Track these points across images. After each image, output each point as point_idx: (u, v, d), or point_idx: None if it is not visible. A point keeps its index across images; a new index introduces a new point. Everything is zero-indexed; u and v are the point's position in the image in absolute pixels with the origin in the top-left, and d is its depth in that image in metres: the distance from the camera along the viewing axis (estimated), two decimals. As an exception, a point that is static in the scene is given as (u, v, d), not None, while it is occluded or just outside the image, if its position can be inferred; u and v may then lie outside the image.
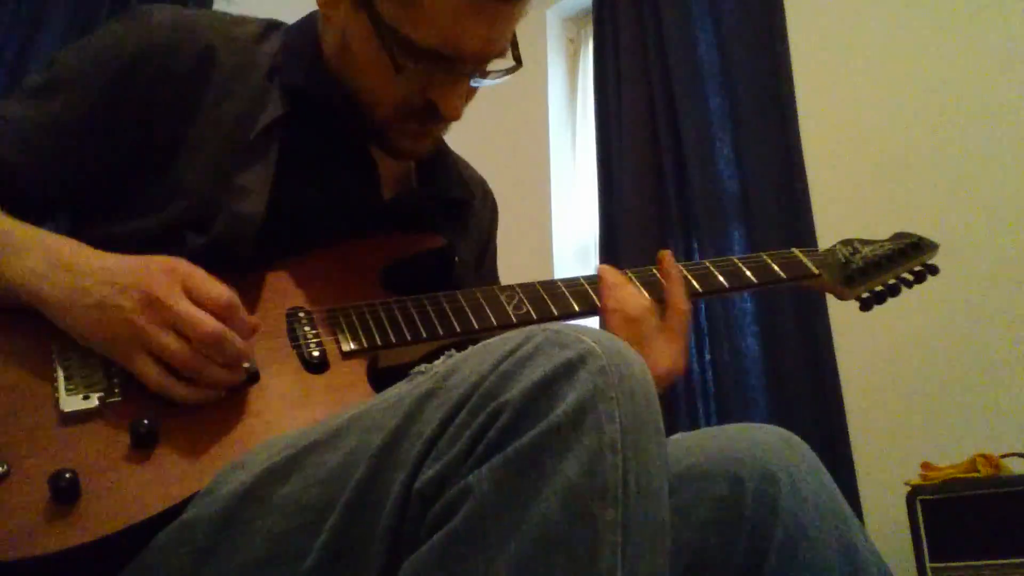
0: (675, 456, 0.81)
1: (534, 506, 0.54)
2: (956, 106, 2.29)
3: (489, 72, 0.93)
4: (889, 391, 2.17)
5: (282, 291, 0.89)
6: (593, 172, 2.98)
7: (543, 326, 0.63)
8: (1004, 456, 1.81)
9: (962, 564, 1.66)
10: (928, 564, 1.70)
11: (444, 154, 1.13)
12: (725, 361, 2.46)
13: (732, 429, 0.84)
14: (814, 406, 2.27)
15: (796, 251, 1.11)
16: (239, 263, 0.87)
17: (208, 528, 0.65)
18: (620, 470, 0.55)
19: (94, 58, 0.91)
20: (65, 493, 0.67)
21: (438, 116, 0.93)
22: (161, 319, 0.74)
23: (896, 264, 1.13)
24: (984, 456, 1.80)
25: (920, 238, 1.15)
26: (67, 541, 0.66)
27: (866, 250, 1.13)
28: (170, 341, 0.74)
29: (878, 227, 2.31)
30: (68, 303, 0.76)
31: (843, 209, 2.40)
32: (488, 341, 0.64)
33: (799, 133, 2.49)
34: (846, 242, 1.15)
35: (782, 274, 1.06)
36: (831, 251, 1.14)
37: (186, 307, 0.74)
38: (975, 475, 1.77)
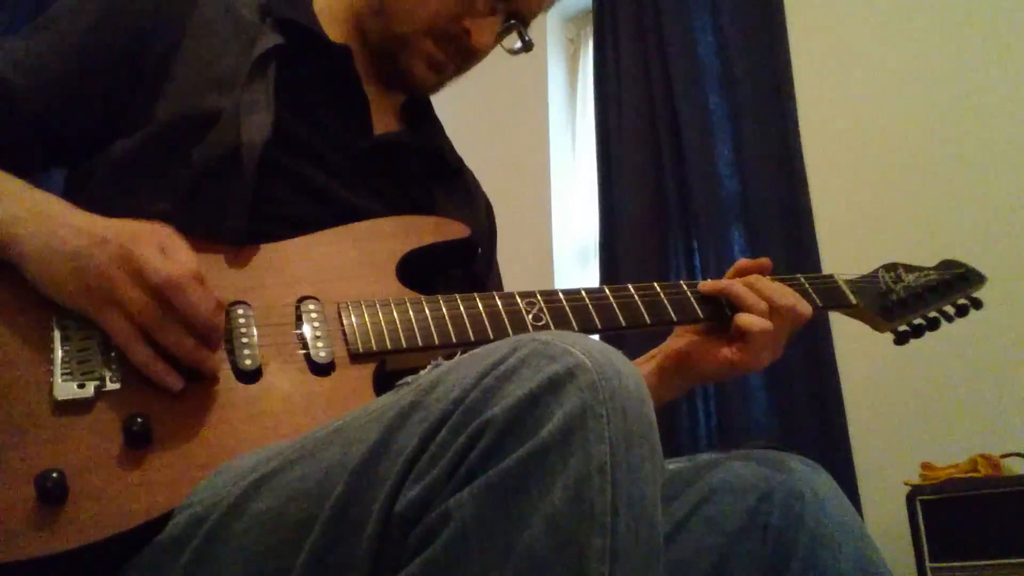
0: (709, 472, 0.88)
1: (518, 535, 0.51)
2: (956, 106, 2.29)
3: (521, 29, 1.03)
4: (889, 391, 2.17)
5: (292, 276, 0.85)
6: (593, 172, 2.98)
7: (532, 335, 0.59)
8: (1004, 456, 1.82)
9: (962, 564, 1.66)
10: (928, 564, 1.70)
11: (433, 118, 1.14)
12: (725, 361, 2.45)
13: (762, 452, 0.90)
14: (814, 406, 2.27)
15: (837, 277, 1.02)
16: (241, 189, 0.86)
17: (194, 544, 0.63)
18: (609, 494, 0.52)
19: None
20: (51, 494, 0.64)
21: (465, 48, 0.99)
22: (131, 269, 0.72)
23: (940, 296, 1.04)
24: (984, 456, 1.80)
25: (968, 269, 1.07)
26: (50, 547, 0.63)
27: (909, 278, 1.04)
28: (136, 294, 0.71)
29: (877, 227, 2.32)
30: (45, 252, 0.74)
31: (843, 209, 2.40)
32: (475, 351, 0.61)
33: (799, 133, 2.49)
34: (889, 267, 1.07)
35: (818, 302, 1.00)
36: (872, 276, 1.05)
37: (152, 256, 0.72)
38: (975, 475, 1.77)
